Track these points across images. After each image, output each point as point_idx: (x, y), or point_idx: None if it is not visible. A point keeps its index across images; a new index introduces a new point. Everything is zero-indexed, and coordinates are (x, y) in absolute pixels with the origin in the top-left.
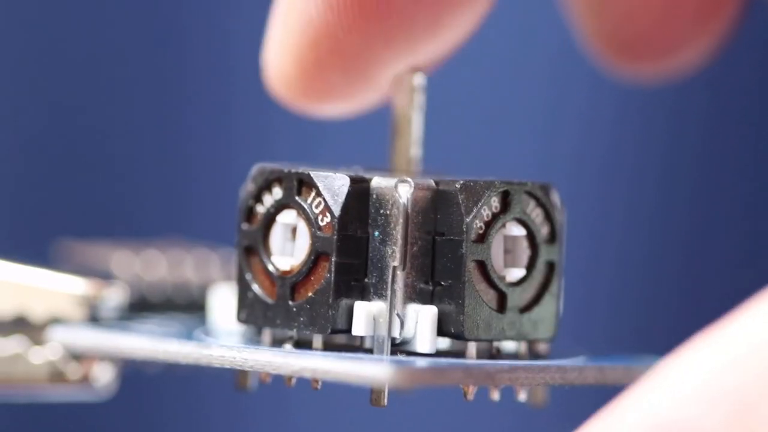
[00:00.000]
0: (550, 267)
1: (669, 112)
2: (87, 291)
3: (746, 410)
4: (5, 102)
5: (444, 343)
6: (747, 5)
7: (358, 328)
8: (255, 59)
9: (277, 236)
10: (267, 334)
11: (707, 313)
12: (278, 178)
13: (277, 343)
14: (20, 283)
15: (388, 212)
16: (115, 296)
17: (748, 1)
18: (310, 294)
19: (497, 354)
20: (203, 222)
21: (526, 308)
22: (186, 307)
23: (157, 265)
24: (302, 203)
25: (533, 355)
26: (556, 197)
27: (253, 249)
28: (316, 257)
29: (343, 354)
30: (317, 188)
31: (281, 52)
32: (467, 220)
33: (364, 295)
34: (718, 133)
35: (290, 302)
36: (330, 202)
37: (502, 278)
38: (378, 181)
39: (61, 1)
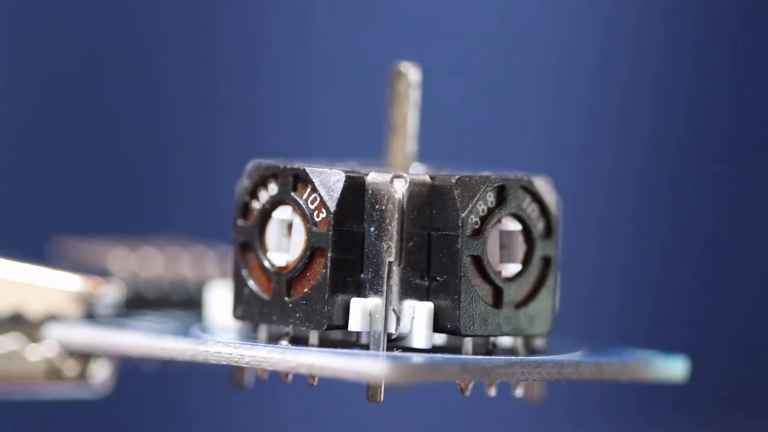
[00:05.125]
0: (546, 262)
1: (681, 104)
2: (83, 288)
3: None
4: (2, 100)
5: (440, 338)
6: None
7: (354, 323)
8: (250, 56)
9: (272, 232)
10: (263, 331)
11: (717, 309)
12: (274, 174)
13: (273, 339)
14: (17, 280)
15: (383, 207)
16: (111, 293)
17: None
18: (306, 290)
19: (493, 349)
20: (199, 219)
21: (522, 303)
22: (182, 303)
23: (154, 262)
24: (298, 199)
25: (529, 350)
26: (552, 192)
27: (249, 245)
28: (311, 253)
29: (340, 350)
30: (313, 184)
31: None
32: (463, 215)
33: (360, 291)
34: (735, 129)
35: (286, 298)
36: (325, 198)
37: (498, 273)
38: (373, 177)
39: (57, 3)
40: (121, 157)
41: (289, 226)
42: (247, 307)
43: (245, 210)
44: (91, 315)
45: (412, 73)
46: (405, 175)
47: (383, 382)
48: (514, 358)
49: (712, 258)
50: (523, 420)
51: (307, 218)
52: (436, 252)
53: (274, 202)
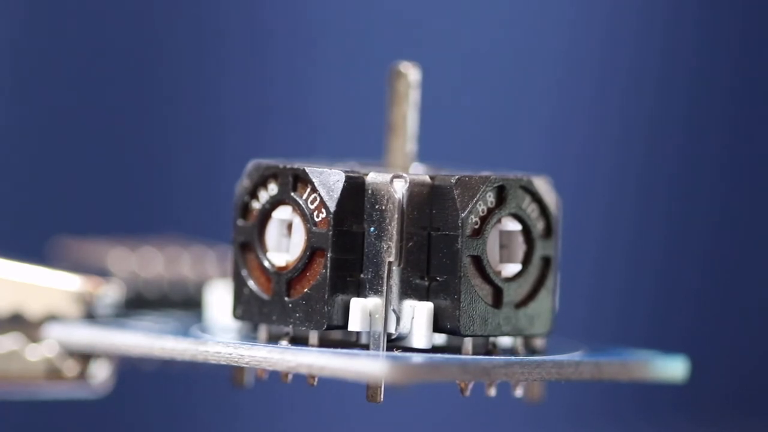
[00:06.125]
0: (546, 262)
1: (681, 105)
2: (83, 288)
3: None
4: (2, 100)
5: (440, 338)
6: None
7: (354, 323)
8: (250, 56)
9: (272, 232)
10: (263, 331)
11: (717, 309)
12: (274, 174)
13: (273, 339)
14: (17, 280)
15: (383, 208)
16: (111, 293)
17: None
18: (305, 290)
19: (493, 349)
20: (199, 219)
21: (522, 303)
22: (182, 303)
23: (154, 262)
24: (298, 199)
25: (529, 350)
26: (552, 192)
27: (248, 245)
28: (311, 253)
29: (339, 350)
30: (312, 184)
31: None
32: (462, 215)
33: (359, 291)
34: (734, 129)
35: (286, 298)
36: (325, 198)
37: (498, 273)
38: (373, 177)
39: (57, 3)
40: (121, 157)
41: (289, 226)
42: (247, 307)
43: (245, 210)
44: (91, 315)
45: (412, 73)
46: (405, 175)
47: (383, 382)
48: (513, 358)
49: (712, 258)
50: (523, 420)
51: (307, 218)
52: (436, 252)
53: (274, 202)
